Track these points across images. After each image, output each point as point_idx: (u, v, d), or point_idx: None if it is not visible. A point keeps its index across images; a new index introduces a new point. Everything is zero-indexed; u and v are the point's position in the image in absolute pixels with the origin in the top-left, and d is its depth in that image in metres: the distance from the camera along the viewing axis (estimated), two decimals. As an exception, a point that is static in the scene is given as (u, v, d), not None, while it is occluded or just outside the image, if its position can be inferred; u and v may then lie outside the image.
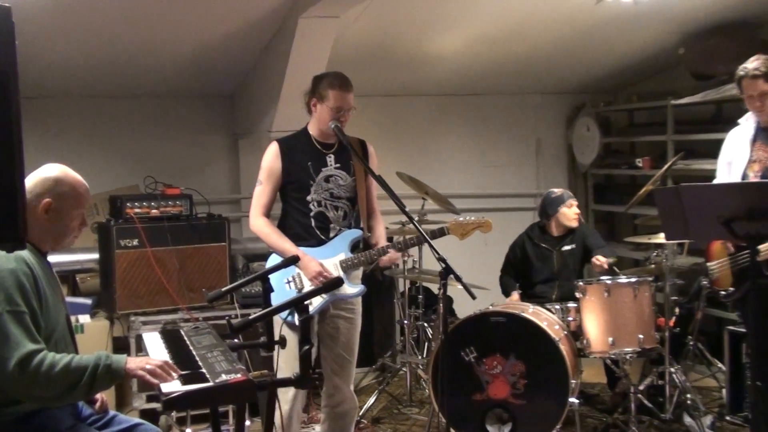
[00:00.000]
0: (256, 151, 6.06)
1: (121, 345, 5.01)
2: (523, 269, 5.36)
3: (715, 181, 4.17)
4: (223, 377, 2.57)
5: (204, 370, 2.67)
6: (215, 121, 6.30)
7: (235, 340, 3.19)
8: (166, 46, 5.20)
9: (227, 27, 5.03)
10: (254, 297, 5.05)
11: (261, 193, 3.97)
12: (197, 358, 2.82)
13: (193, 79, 5.86)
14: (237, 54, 5.45)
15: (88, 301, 5.24)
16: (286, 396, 3.77)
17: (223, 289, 3.32)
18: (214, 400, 2.70)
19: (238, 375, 2.58)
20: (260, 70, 5.62)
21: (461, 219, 4.10)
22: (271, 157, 3.96)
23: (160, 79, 5.78)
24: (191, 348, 2.97)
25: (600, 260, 4.98)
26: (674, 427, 4.79)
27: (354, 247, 3.97)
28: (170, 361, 2.74)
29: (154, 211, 5.12)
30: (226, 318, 3.14)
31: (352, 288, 3.92)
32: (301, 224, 3.94)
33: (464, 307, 5.17)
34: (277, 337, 2.97)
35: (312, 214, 3.93)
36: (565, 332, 4.68)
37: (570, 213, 5.23)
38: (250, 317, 2.83)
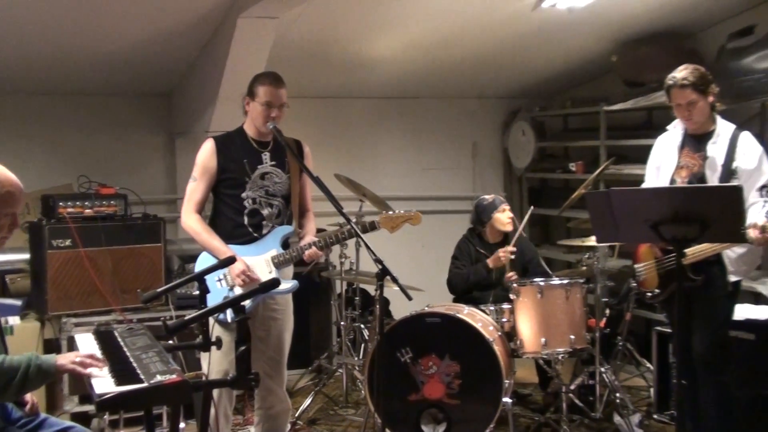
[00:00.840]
0: (193, 150, 5.94)
1: (52, 347, 4.92)
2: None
3: (643, 186, 4.28)
4: (159, 378, 2.55)
5: (139, 371, 2.65)
6: (152, 120, 6.23)
7: (170, 342, 3.17)
8: (103, 43, 5.12)
9: (165, 25, 4.98)
10: (189, 298, 5.01)
11: (194, 190, 3.95)
12: (132, 359, 2.80)
13: (130, 77, 5.79)
14: (175, 53, 5.40)
15: (17, 302, 5.13)
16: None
17: (159, 289, 3.29)
18: (149, 401, 2.67)
19: (174, 376, 2.57)
20: (198, 69, 5.58)
21: (391, 213, 4.14)
22: (206, 154, 3.95)
23: (95, 77, 5.69)
24: (125, 349, 2.95)
25: (503, 252, 5.06)
26: (604, 425, 4.90)
27: (285, 244, 3.98)
28: (98, 354, 2.72)
29: (88, 211, 5.05)
30: (162, 319, 3.12)
31: (283, 284, 3.91)
32: (234, 222, 3.94)
33: (400, 309, 5.21)
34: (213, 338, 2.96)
35: (246, 211, 3.93)
36: (499, 333, 4.75)
37: (503, 218, 5.30)
38: (186, 318, 2.82)
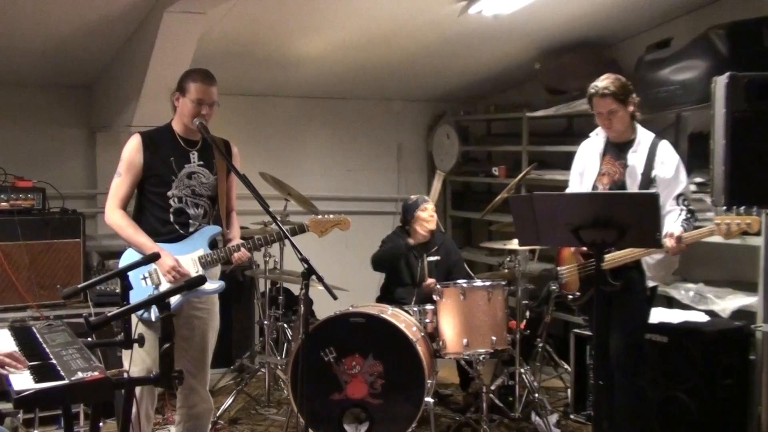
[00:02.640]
0: (114, 145, 5.89)
1: (-37, 344, 4.76)
2: (389, 269, 5.46)
3: (566, 191, 4.38)
4: (80, 375, 2.50)
5: (59, 368, 2.59)
6: (72, 113, 6.08)
7: (89, 339, 3.11)
8: (21, 33, 4.98)
9: (87, 16, 4.87)
10: (110, 295, 4.92)
11: (119, 185, 3.87)
12: (51, 356, 2.74)
13: (49, 69, 5.64)
14: (97, 45, 5.29)
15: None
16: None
17: (80, 285, 3.23)
18: (70, 399, 2.63)
19: (95, 372, 2.52)
20: (121, 62, 5.48)
21: (320, 217, 4.15)
22: (132, 150, 3.87)
23: (13, 68, 5.52)
24: (44, 345, 2.88)
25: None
26: (522, 425, 5.00)
27: (213, 244, 3.94)
28: (18, 352, 2.65)
29: (4, 204, 4.94)
30: (83, 315, 3.06)
31: (210, 284, 3.87)
32: (159, 219, 3.87)
33: (324, 309, 5.20)
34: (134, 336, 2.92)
35: (171, 210, 3.87)
36: (423, 333, 4.79)
37: (425, 215, 5.38)
38: (108, 314, 2.76)
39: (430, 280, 5.16)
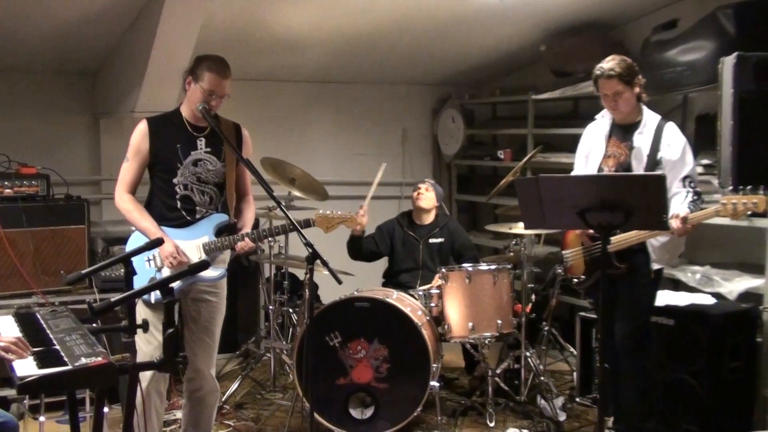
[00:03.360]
0: (118, 131, 5.88)
1: (-32, 331, 4.77)
2: (390, 254, 5.46)
3: (572, 173, 4.36)
4: (83, 360, 2.50)
5: (62, 354, 2.59)
6: (76, 100, 6.05)
7: (94, 325, 3.10)
8: (24, 20, 4.95)
9: (90, 2, 4.84)
10: (114, 281, 4.91)
11: (127, 170, 3.89)
12: (55, 342, 2.74)
13: (54, 56, 5.62)
14: (101, 31, 5.26)
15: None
16: (144, 374, 3.71)
17: (83, 271, 3.22)
18: (74, 384, 2.63)
19: (99, 358, 2.52)
20: (125, 48, 5.45)
21: (328, 212, 4.13)
22: (139, 136, 3.88)
23: (18, 55, 5.49)
24: (48, 331, 2.88)
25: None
26: (528, 408, 4.99)
27: (219, 232, 3.94)
28: (23, 338, 2.65)
29: (8, 191, 4.92)
30: (87, 301, 3.05)
31: (212, 271, 3.88)
32: (167, 205, 3.88)
33: (329, 293, 5.20)
34: (139, 321, 2.91)
35: (177, 196, 3.88)
36: (428, 317, 4.79)
37: (415, 194, 5.46)
38: (112, 300, 2.75)
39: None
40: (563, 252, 4.42)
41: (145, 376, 3.74)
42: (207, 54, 3.90)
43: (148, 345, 3.74)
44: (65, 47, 5.47)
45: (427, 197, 5.43)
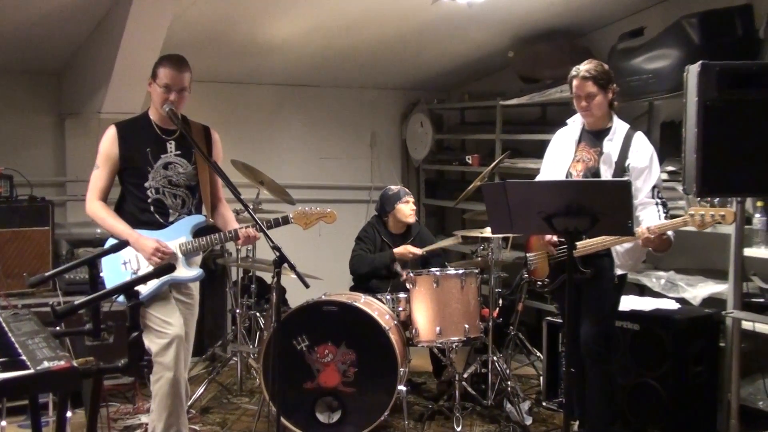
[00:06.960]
0: (84, 132, 5.83)
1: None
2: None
3: (538, 178, 4.38)
4: (46, 364, 2.46)
5: (24, 357, 2.55)
6: (40, 100, 5.98)
7: (57, 328, 3.06)
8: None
9: (56, 0, 4.79)
10: (79, 284, 4.87)
11: (98, 177, 3.87)
12: (16, 345, 2.69)
13: (17, 55, 5.54)
14: (66, 30, 5.20)
15: None
16: (165, 360, 3.71)
17: (47, 273, 3.16)
18: (36, 389, 2.57)
19: (62, 362, 2.48)
20: (91, 48, 5.39)
21: (306, 209, 4.14)
22: (107, 142, 3.86)
23: (-20, 53, 5.44)
24: (9, 334, 2.83)
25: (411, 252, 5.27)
26: (495, 412, 5.01)
27: (198, 233, 3.93)
28: None
29: (-29, 192, 4.85)
30: (50, 304, 3.01)
31: (189, 271, 3.88)
32: (139, 209, 3.88)
33: (297, 297, 5.18)
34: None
35: (149, 200, 3.87)
36: (395, 322, 4.79)
37: (406, 209, 5.38)
38: (76, 303, 2.72)
39: (404, 274, 5.12)
40: (527, 255, 4.45)
41: (168, 365, 3.73)
42: (162, 55, 3.92)
43: (171, 327, 3.75)
44: (30, 46, 5.40)
45: (414, 212, 5.45)
